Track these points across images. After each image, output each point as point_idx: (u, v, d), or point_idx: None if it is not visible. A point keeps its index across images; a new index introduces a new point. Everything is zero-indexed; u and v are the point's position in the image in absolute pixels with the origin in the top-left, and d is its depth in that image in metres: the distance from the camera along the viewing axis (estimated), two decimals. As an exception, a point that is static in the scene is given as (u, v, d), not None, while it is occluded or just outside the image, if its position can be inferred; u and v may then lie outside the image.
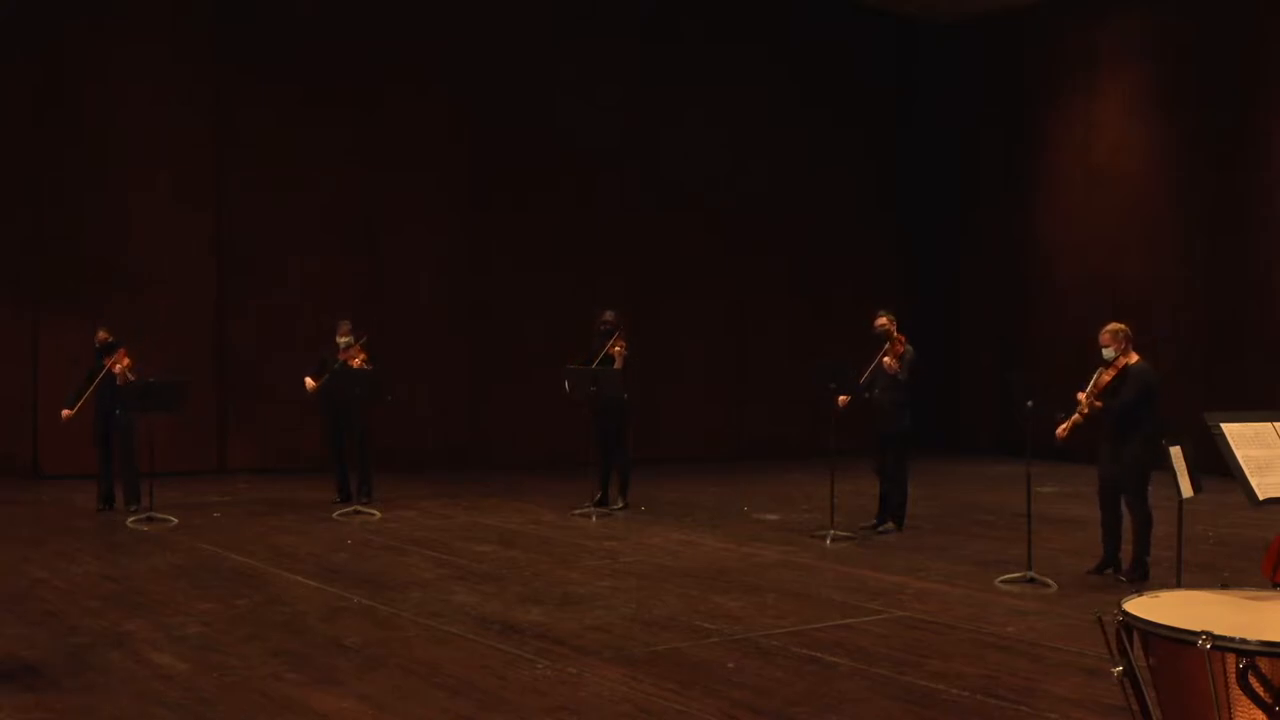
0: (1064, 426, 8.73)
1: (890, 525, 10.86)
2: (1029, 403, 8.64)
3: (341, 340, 12.15)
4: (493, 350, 16.46)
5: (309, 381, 12.10)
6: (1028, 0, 18.37)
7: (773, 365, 18.18)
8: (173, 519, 11.04)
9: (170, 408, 11.25)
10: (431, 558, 9.46)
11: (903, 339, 10.74)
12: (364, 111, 15.83)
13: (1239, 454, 4.38)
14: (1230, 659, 3.14)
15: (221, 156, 15.26)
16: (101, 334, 11.70)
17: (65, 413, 11.42)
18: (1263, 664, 3.12)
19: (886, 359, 10.61)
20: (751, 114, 18.36)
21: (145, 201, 14.79)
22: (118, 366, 11.36)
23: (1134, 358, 8.70)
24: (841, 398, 10.75)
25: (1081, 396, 8.69)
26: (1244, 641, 3.13)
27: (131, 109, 14.77)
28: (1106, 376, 8.66)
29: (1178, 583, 7.17)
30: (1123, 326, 8.80)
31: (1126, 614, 3.44)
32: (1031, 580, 8.49)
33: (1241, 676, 3.11)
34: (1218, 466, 4.75)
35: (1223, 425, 4.42)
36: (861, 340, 11.07)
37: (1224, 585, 3.84)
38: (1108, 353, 8.71)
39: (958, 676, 6.17)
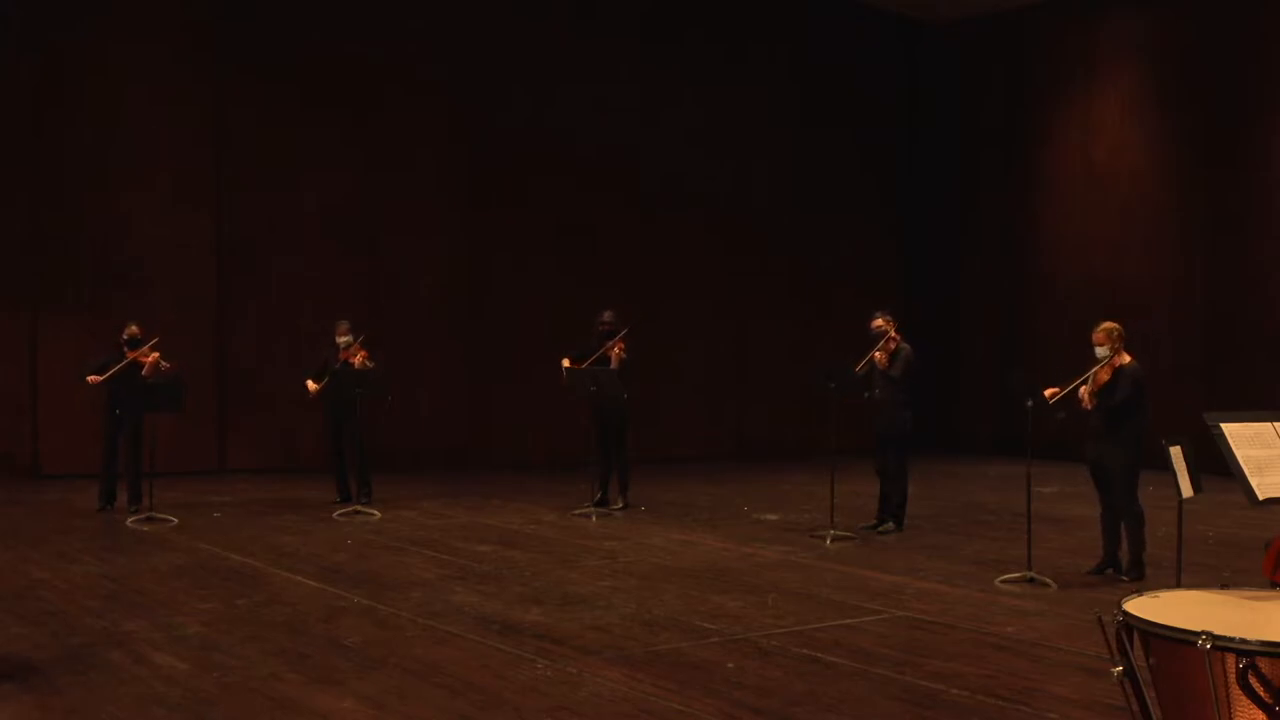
0: (1056, 392, 8.67)
1: (890, 525, 10.86)
2: (1029, 402, 8.64)
3: (341, 340, 12.16)
4: (493, 350, 16.46)
5: (310, 385, 12.11)
6: (1028, 0, 18.37)
7: (772, 365, 18.18)
8: (173, 519, 11.04)
9: (171, 407, 11.26)
10: (431, 558, 9.46)
11: (898, 338, 10.75)
12: (364, 112, 15.83)
13: (1239, 454, 4.38)
14: (1230, 659, 3.14)
15: (221, 157, 15.26)
16: (133, 328, 11.70)
17: (93, 378, 11.43)
18: (1263, 664, 3.12)
19: (878, 354, 10.63)
20: (751, 114, 18.36)
21: (145, 201, 14.79)
22: (149, 358, 11.37)
23: (1126, 357, 8.71)
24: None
25: (1084, 391, 8.67)
26: (1244, 641, 3.13)
27: (131, 109, 14.77)
28: (1104, 375, 8.67)
29: (1178, 583, 7.17)
30: (1116, 325, 8.79)
31: (1126, 614, 3.44)
32: (1031, 580, 8.49)
33: (1241, 676, 3.11)
34: (1218, 466, 4.75)
35: (1223, 425, 4.42)
36: (862, 341, 11.06)
37: (1224, 585, 3.84)
38: (1101, 351, 8.72)
39: (958, 676, 6.17)
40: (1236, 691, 3.14)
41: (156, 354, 11.49)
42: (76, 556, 9.44)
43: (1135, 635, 3.43)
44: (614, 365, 11.89)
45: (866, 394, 10.78)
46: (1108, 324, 8.81)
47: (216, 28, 15.25)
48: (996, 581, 8.59)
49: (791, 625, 7.30)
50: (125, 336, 11.64)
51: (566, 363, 12.07)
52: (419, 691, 5.86)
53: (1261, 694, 3.11)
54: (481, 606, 7.72)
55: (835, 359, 11.30)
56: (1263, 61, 15.73)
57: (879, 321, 10.77)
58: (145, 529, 10.75)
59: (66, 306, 14.36)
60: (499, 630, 7.09)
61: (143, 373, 11.38)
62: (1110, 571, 8.82)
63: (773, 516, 11.91)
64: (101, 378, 11.42)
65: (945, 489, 14.12)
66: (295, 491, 13.21)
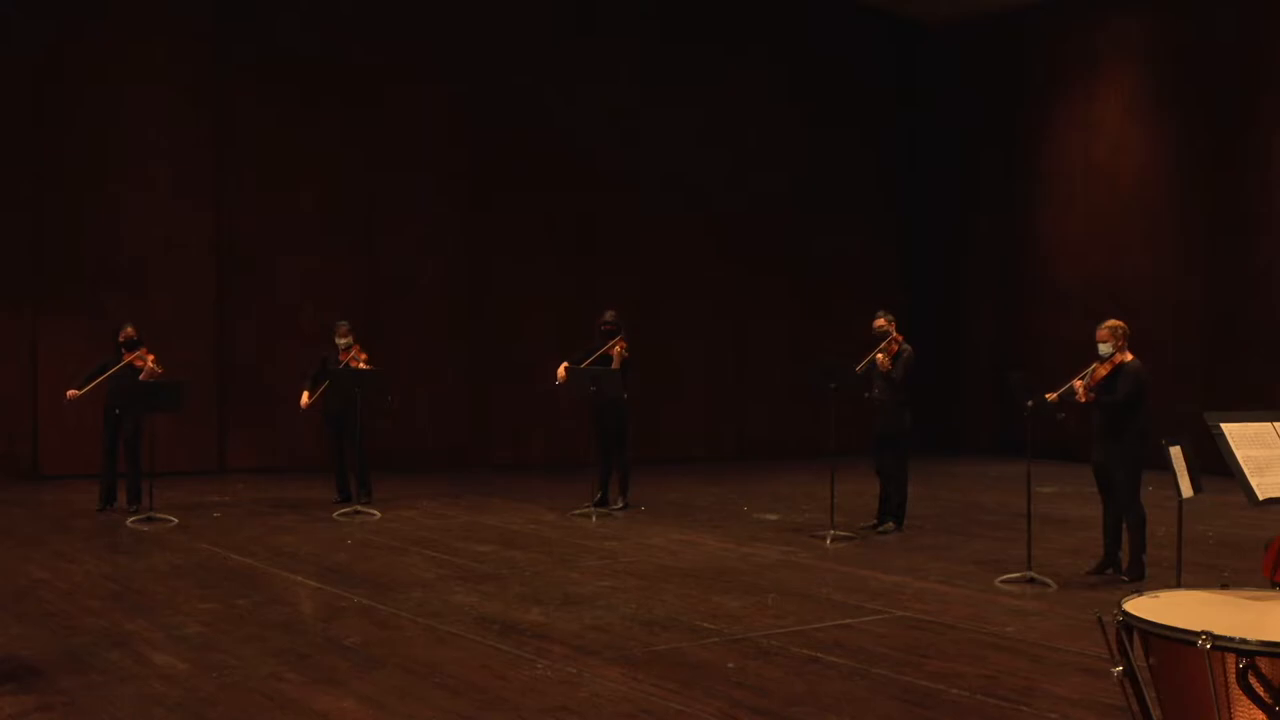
0: (1054, 395, 8.73)
1: (890, 525, 10.86)
2: (1029, 403, 8.64)
3: (341, 342, 12.17)
4: (492, 350, 16.46)
5: (304, 397, 12.11)
6: (1028, 0, 18.37)
7: (773, 365, 18.18)
8: (173, 519, 11.04)
9: (171, 408, 11.26)
10: (431, 558, 9.46)
11: (900, 339, 10.76)
12: (364, 111, 15.83)
13: (1239, 454, 4.38)
14: (1230, 659, 3.14)
15: (221, 155, 15.27)
16: (129, 330, 11.70)
17: (71, 393, 11.45)
18: (1263, 664, 3.12)
19: (880, 355, 10.63)
20: (751, 114, 18.36)
21: (145, 201, 14.79)
22: (144, 363, 11.39)
23: (1129, 356, 8.71)
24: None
25: (1078, 384, 8.69)
26: (1244, 641, 3.14)
27: (131, 109, 14.77)
28: (1103, 370, 8.68)
29: (1178, 583, 7.17)
30: (1120, 324, 8.80)
31: (1126, 614, 3.44)
32: (1031, 580, 8.49)
33: (1241, 676, 3.12)
34: (1218, 466, 4.75)
35: (1223, 425, 4.42)
36: (861, 341, 11.07)
37: (1224, 585, 3.84)
38: (1104, 349, 8.72)
39: (958, 676, 6.17)
40: (1236, 691, 3.14)
41: (153, 356, 11.50)
42: (76, 556, 9.44)
43: (1135, 635, 3.43)
44: (616, 365, 11.89)
45: (866, 394, 10.79)
46: (1113, 321, 8.82)
47: (216, 28, 15.26)
48: (996, 581, 8.59)
49: (791, 625, 7.30)
50: (121, 339, 11.64)
51: (564, 369, 11.99)
52: (419, 691, 5.86)
53: (1261, 694, 3.11)
54: (481, 606, 7.72)
55: (835, 359, 11.29)
56: (1262, 62, 15.72)
57: (881, 322, 10.77)
58: (145, 529, 10.75)
59: (66, 306, 14.36)
60: (499, 630, 7.09)
61: (140, 377, 11.38)
62: (1110, 571, 8.82)
63: (773, 516, 11.91)
64: (80, 392, 11.42)
65: (945, 489, 14.12)
66: (295, 491, 13.21)
